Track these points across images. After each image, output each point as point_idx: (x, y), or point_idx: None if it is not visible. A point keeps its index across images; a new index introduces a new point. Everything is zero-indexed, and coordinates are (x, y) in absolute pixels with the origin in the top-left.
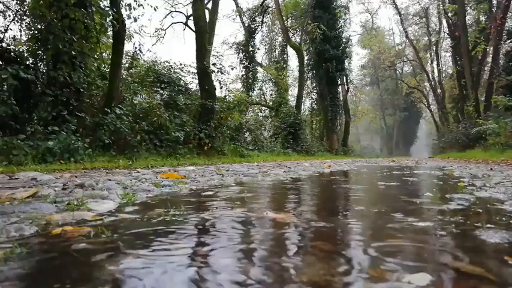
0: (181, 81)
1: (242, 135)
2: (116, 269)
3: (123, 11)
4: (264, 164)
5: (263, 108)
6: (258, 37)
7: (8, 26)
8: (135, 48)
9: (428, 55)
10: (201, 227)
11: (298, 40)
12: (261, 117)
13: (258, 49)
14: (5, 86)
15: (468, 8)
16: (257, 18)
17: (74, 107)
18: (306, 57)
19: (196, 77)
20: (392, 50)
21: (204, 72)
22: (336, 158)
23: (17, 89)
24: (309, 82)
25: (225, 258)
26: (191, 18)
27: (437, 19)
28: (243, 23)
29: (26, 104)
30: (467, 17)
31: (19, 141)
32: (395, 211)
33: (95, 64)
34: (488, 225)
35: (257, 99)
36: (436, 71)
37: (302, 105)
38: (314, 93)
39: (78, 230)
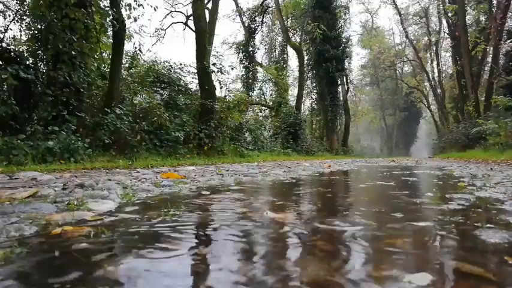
0: (181, 81)
1: (242, 135)
2: (115, 269)
3: (123, 11)
4: (264, 164)
5: (263, 108)
6: (258, 37)
7: (8, 26)
8: (135, 48)
9: (428, 55)
10: (201, 227)
11: (298, 40)
12: (261, 117)
13: (258, 49)
14: (5, 86)
15: (468, 8)
16: (257, 18)
17: (74, 107)
18: (306, 57)
19: (196, 77)
20: (392, 50)
21: (204, 72)
22: (336, 158)
23: (17, 89)
24: (309, 82)
25: (225, 258)
26: (191, 18)
27: (437, 19)
28: (243, 23)
29: (26, 104)
30: (467, 17)
31: (19, 141)
32: (395, 211)
33: (95, 64)
34: (488, 225)
35: (257, 99)
36: (436, 71)
37: (302, 105)
38: (314, 93)
39: (78, 230)
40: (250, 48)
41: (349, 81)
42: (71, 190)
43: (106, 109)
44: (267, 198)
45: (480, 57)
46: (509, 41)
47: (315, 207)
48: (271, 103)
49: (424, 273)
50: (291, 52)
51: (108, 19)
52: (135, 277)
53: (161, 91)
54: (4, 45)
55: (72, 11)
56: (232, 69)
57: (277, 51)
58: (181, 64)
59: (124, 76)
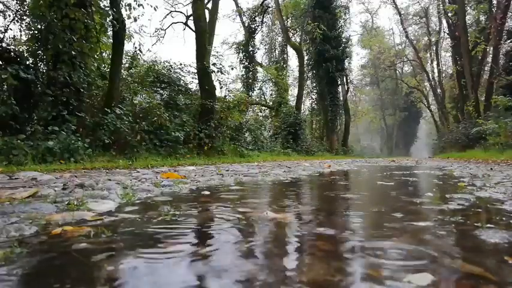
0: (181, 81)
1: (242, 135)
2: (115, 269)
3: (123, 11)
4: (264, 164)
5: (263, 108)
6: (258, 37)
7: (8, 26)
8: (135, 48)
9: (428, 55)
10: (201, 227)
11: (298, 40)
12: (261, 117)
13: (258, 49)
14: (5, 86)
15: (468, 8)
16: (257, 18)
17: (74, 107)
18: (306, 57)
19: (196, 77)
20: (392, 50)
21: (204, 72)
22: (336, 158)
23: (17, 89)
24: (309, 82)
25: (225, 258)
26: (191, 18)
27: (437, 19)
28: (243, 23)
29: (26, 104)
30: (467, 17)
31: (19, 141)
32: (395, 211)
33: (95, 64)
34: (488, 225)
35: (257, 99)
36: (436, 71)
37: (302, 105)
38: (314, 93)
39: (78, 230)
40: (250, 48)
41: (349, 81)
42: (71, 190)
43: (106, 109)
44: (267, 198)
45: (480, 57)
46: (509, 41)
47: (315, 208)
48: (271, 103)
49: (424, 273)
50: (291, 52)
51: (108, 19)
52: (135, 277)
53: (161, 91)
54: (4, 45)
55: (72, 11)
56: (232, 69)
57: (277, 51)
58: (181, 64)
59: (124, 76)
